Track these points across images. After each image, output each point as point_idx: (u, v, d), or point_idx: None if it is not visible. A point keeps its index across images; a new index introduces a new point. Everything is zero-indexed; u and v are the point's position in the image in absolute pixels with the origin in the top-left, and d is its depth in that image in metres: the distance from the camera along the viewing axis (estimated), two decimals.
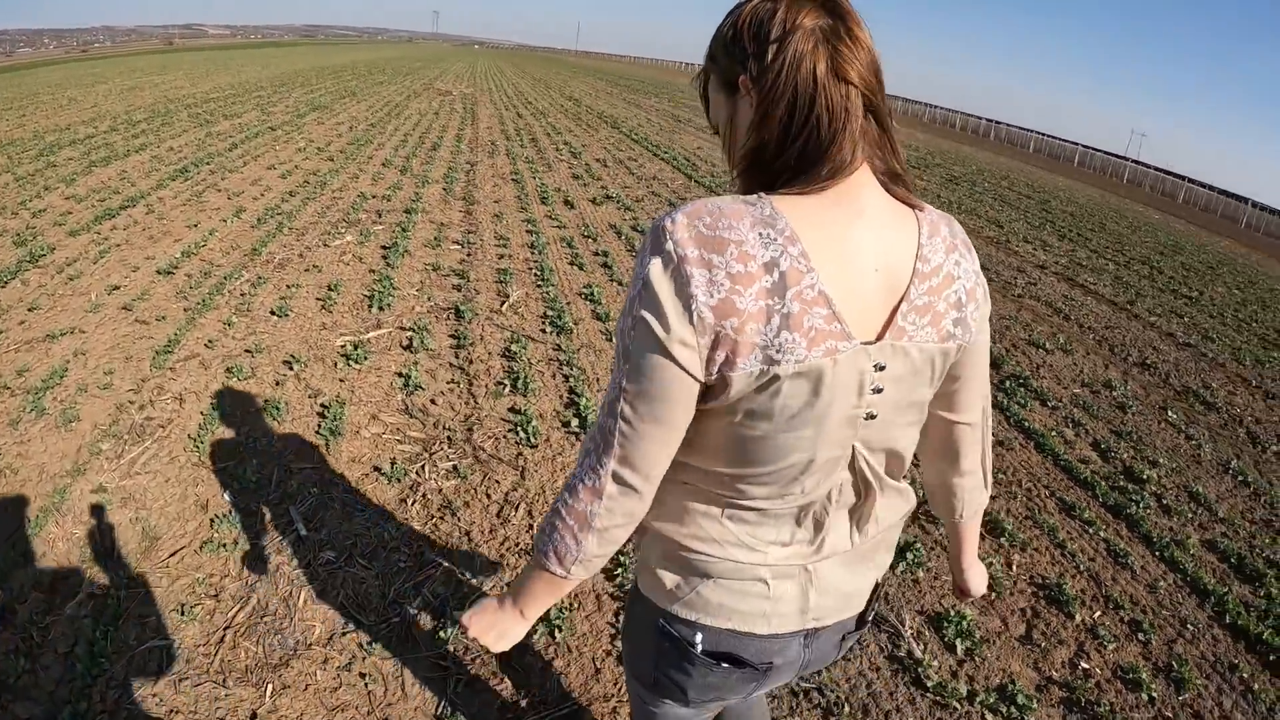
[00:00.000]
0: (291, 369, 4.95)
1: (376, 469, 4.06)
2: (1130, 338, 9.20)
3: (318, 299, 6.09)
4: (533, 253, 7.98)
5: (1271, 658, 3.76)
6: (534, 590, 1.29)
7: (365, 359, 5.19)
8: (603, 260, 8.13)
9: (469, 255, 7.61)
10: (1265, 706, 3.41)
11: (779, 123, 1.12)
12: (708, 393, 1.11)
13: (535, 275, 7.33)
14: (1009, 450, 5.50)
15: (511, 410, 4.83)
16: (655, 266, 1.07)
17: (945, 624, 3.48)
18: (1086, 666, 3.43)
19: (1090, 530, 4.56)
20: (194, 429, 4.18)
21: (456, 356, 5.46)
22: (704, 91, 1.31)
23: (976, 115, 53.31)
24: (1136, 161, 42.44)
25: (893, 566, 3.78)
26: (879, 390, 1.15)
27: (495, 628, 1.34)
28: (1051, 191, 23.86)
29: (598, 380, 5.41)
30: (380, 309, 5.97)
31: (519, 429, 4.60)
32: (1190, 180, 37.89)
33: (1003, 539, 4.28)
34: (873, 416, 1.17)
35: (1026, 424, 5.92)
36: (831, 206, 1.11)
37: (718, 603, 1.28)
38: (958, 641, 3.40)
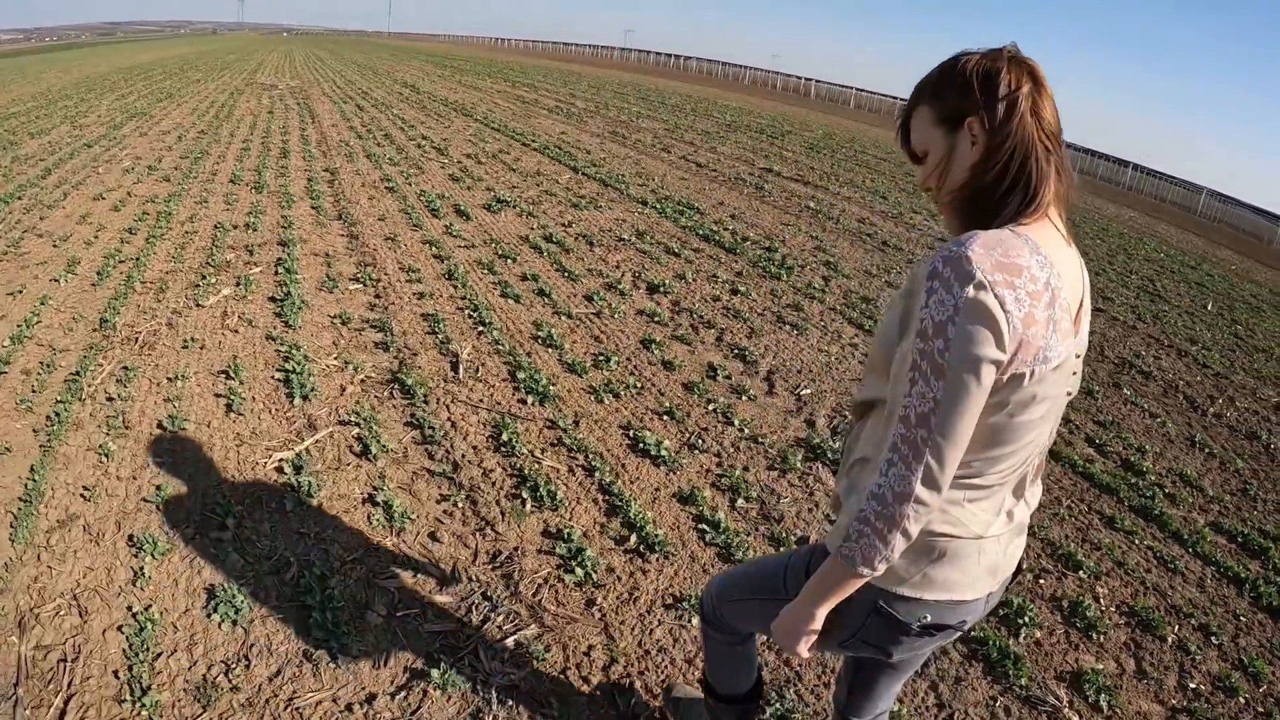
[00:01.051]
0: (226, 526, 3.51)
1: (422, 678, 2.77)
2: None
3: (217, 395, 4.59)
4: (454, 285, 6.62)
5: None
6: (835, 591, 1.50)
7: (318, 487, 3.81)
8: (536, 287, 6.86)
9: (378, 297, 6.18)
10: None
11: (1001, 167, 1.40)
12: (992, 392, 1.34)
13: (470, 317, 6.01)
14: None
15: (546, 534, 3.73)
16: (971, 290, 1.26)
17: (1085, 683, 3.50)
18: (1193, 685, 3.66)
19: (1135, 540, 4.78)
20: None
21: (432, 457, 4.20)
22: (907, 120, 1.54)
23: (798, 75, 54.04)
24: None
25: (1014, 635, 3.79)
26: (1075, 374, 1.48)
27: (800, 634, 1.59)
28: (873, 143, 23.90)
29: (624, 470, 4.26)
30: (303, 397, 4.54)
31: (571, 563, 3.54)
32: None
33: (1081, 571, 4.32)
34: (1071, 395, 1.50)
35: None
36: (1049, 233, 1.41)
37: (943, 579, 1.51)
38: (1101, 698, 3.43)
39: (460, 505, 3.87)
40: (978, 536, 1.50)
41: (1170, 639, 3.98)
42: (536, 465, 4.28)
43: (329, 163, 11.34)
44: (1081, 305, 1.45)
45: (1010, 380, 1.33)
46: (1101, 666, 3.67)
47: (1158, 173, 32.17)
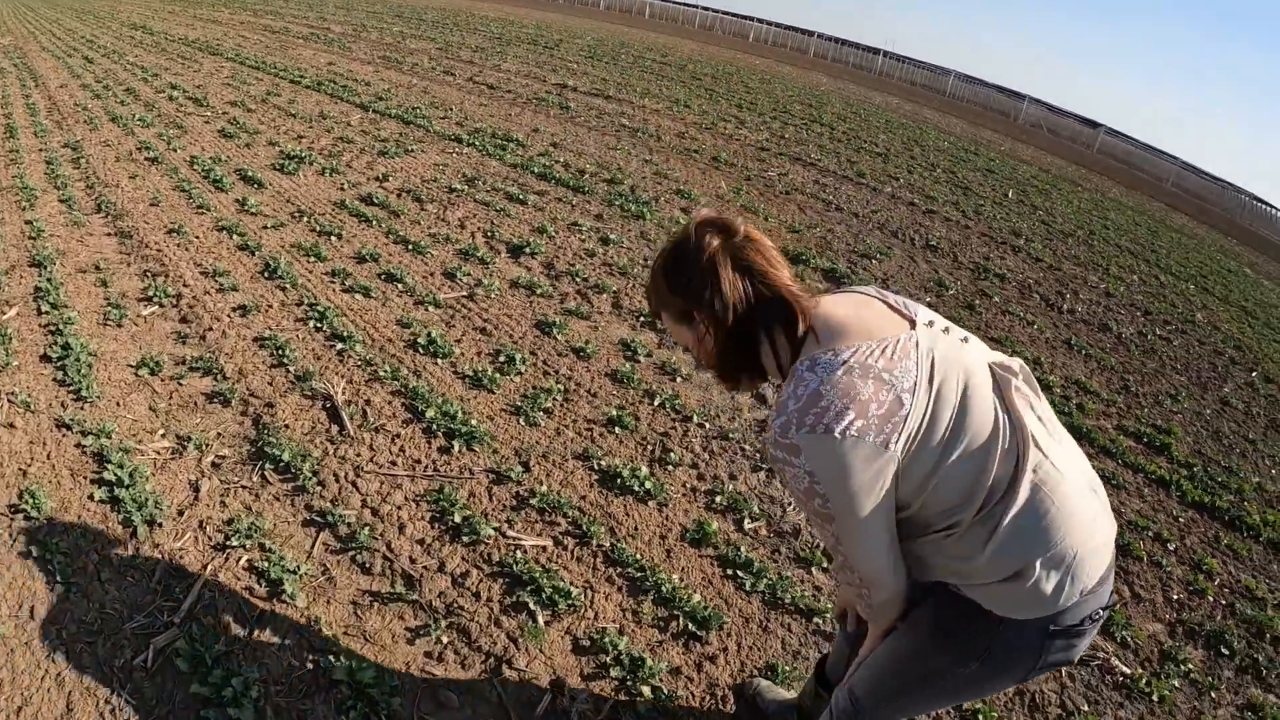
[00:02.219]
0: None
1: None
2: (896, 218, 9.63)
3: (21, 556, 2.86)
4: (279, 286, 5.02)
5: None
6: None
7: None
8: (381, 270, 5.38)
9: (186, 321, 4.48)
10: None
11: (742, 330, 1.54)
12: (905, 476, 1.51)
13: (319, 330, 4.52)
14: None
15: (579, 648, 2.79)
16: (804, 459, 1.44)
17: (1107, 624, 2.98)
18: (1175, 597, 3.99)
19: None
20: None
21: (369, 572, 2.96)
22: (656, 313, 1.68)
23: None
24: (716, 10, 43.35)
25: None
26: (970, 369, 1.59)
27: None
28: (674, 53, 23.10)
29: (615, 521, 3.30)
30: (148, 525, 2.96)
31: (634, 681, 2.67)
32: (762, 21, 39.47)
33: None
34: (999, 369, 1.63)
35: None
36: (834, 311, 1.54)
37: (1077, 580, 1.51)
38: (1121, 634, 3.59)
39: (448, 640, 2.71)
40: (1054, 544, 1.48)
41: (1145, 557, 4.31)
42: (516, 550, 3.11)
43: (68, 135, 8.47)
44: (910, 318, 1.55)
45: (906, 461, 1.44)
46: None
47: (904, 58, 33.31)
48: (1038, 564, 1.47)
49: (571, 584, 2.99)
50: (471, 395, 4.14)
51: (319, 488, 3.24)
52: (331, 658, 2.51)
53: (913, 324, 1.53)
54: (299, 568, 2.84)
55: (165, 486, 3.14)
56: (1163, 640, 3.75)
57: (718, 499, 3.65)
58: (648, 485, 3.62)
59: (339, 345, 4.33)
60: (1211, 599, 4.18)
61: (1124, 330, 8.16)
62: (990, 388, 1.52)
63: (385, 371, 4.12)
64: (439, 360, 4.39)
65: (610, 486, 3.62)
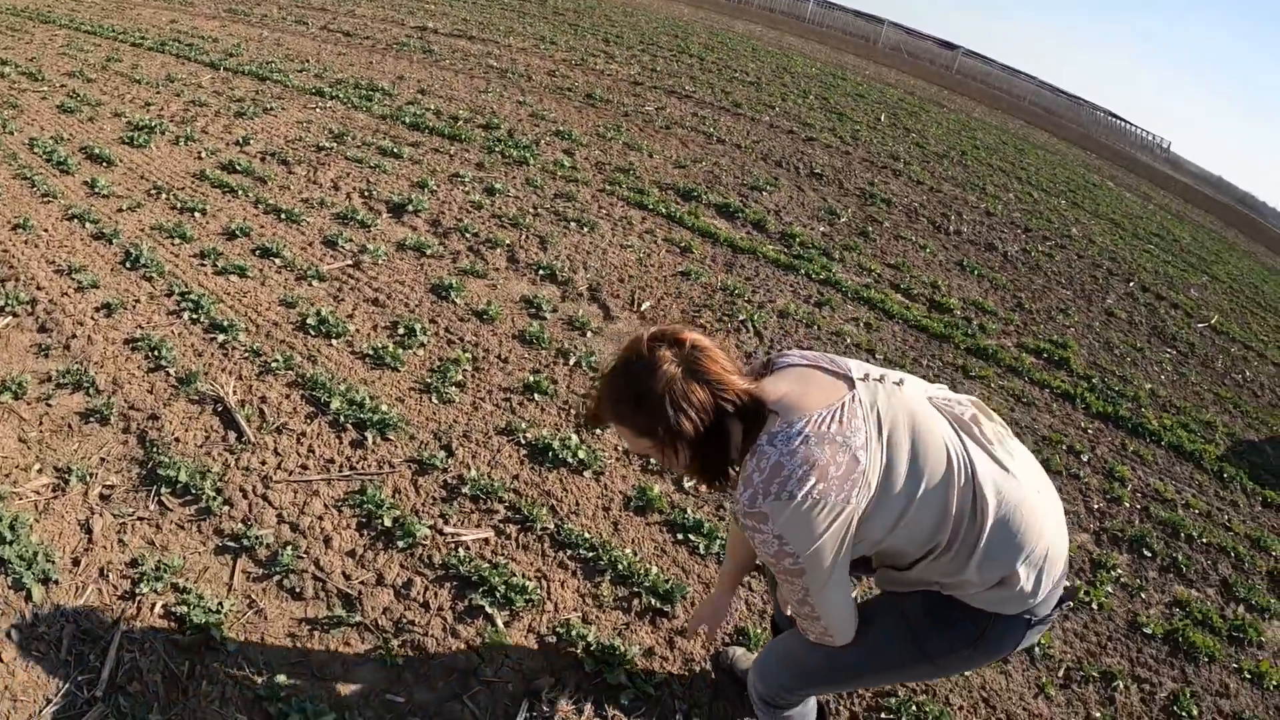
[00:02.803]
0: None
1: None
2: (778, 148, 9.75)
3: None
4: (144, 276, 4.38)
5: None
6: None
7: None
8: (254, 245, 4.83)
9: (46, 330, 3.77)
10: None
11: (711, 436, 1.55)
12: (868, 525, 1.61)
13: (195, 323, 3.99)
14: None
15: (545, 645, 2.47)
16: (775, 525, 1.51)
17: None
18: (1096, 506, 4.29)
19: (989, 383, 5.30)
20: None
21: (300, 597, 2.61)
22: (603, 424, 1.73)
23: None
24: None
25: None
26: (924, 402, 1.71)
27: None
28: None
29: (555, 500, 2.99)
30: (42, 583, 2.46)
31: (612, 675, 2.35)
32: None
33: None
34: (951, 406, 1.75)
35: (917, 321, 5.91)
36: (788, 388, 1.60)
37: (1045, 582, 1.66)
38: None
39: (404, 661, 2.42)
40: (1024, 554, 1.60)
41: (1064, 470, 4.41)
42: (458, 547, 2.81)
43: None
44: (844, 377, 1.63)
45: (871, 507, 1.53)
46: None
47: None
48: (1019, 569, 1.61)
49: (524, 576, 2.73)
50: (375, 377, 3.75)
51: (226, 508, 2.82)
52: (282, 704, 2.18)
53: (851, 383, 1.60)
54: (221, 605, 2.44)
55: (53, 533, 2.64)
56: (1091, 550, 3.78)
57: (653, 461, 3.42)
58: (580, 455, 3.35)
59: (220, 337, 3.83)
60: (1128, 505, 4.26)
61: (1009, 249, 8.32)
62: (937, 422, 1.61)
63: (277, 361, 3.67)
64: (333, 341, 3.96)
65: (541, 461, 3.34)
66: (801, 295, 5.82)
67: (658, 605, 2.75)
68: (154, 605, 2.43)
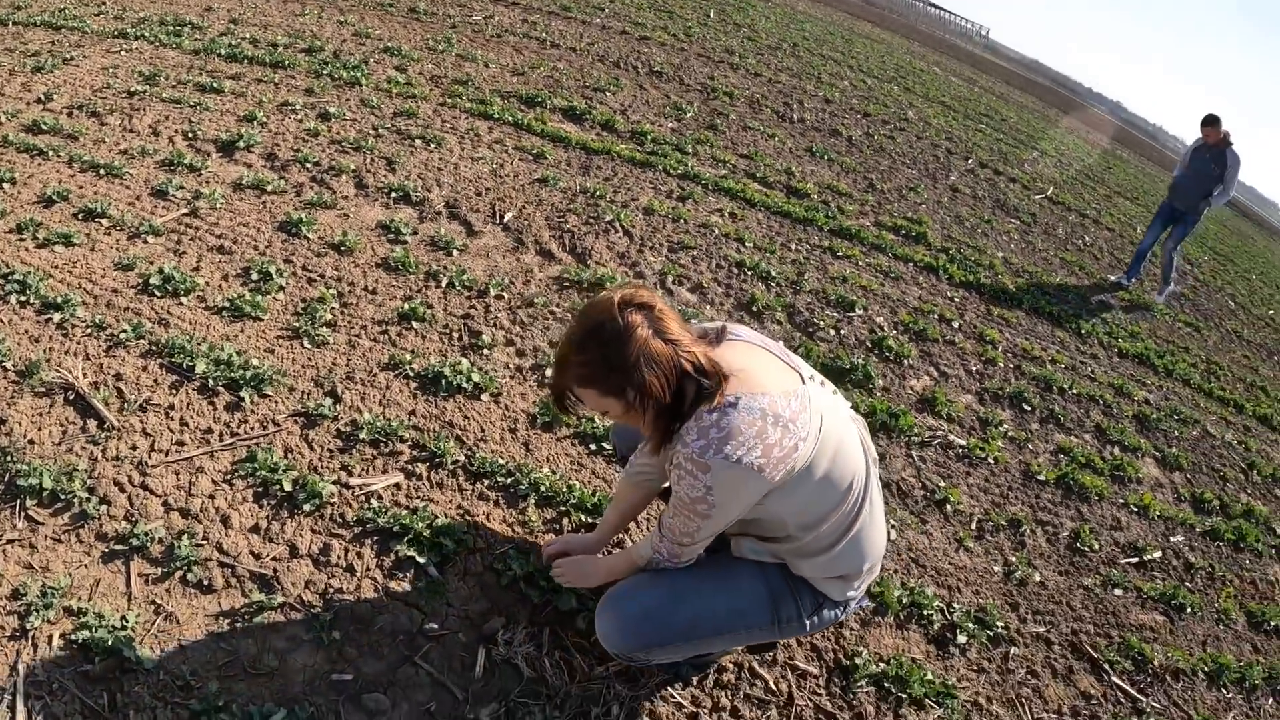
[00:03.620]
0: None
1: None
2: (614, 49, 9.68)
3: None
4: None
5: None
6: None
7: None
8: (76, 210, 4.16)
9: None
10: None
11: (674, 396, 1.60)
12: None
13: (24, 305, 3.37)
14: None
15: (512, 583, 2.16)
16: (709, 476, 1.60)
17: (936, 402, 4.07)
18: (974, 368, 4.52)
19: (858, 263, 5.40)
20: None
21: (234, 576, 2.21)
22: (564, 394, 1.71)
23: None
24: None
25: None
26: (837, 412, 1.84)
27: (595, 582, 2.14)
28: None
29: (459, 428, 2.73)
30: None
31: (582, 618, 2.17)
32: None
33: (855, 310, 4.70)
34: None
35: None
36: (742, 360, 1.69)
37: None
38: (946, 410, 4.01)
39: (342, 635, 2.11)
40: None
41: (940, 338, 4.50)
42: (369, 499, 2.52)
43: None
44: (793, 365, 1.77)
45: (790, 486, 1.67)
46: (921, 385, 4.12)
47: None
48: (863, 570, 1.90)
49: (446, 516, 2.47)
50: (236, 330, 3.31)
51: (104, 507, 2.36)
52: (223, 714, 1.86)
53: (801, 378, 1.72)
54: (125, 619, 2.04)
55: None
56: (977, 409, 3.84)
57: (548, 372, 3.19)
58: (474, 378, 3.08)
59: (56, 316, 3.26)
60: (1002, 365, 4.36)
61: (852, 133, 8.31)
62: (854, 438, 1.80)
63: (125, 332, 3.17)
64: (182, 299, 3.46)
65: (435, 391, 3.05)
66: (663, 191, 5.60)
67: (589, 520, 2.57)
68: (51, 637, 1.99)
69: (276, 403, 2.91)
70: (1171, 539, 3.81)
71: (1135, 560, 3.55)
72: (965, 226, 6.95)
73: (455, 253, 4.10)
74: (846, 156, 7.59)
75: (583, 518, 2.57)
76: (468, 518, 2.51)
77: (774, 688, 2.30)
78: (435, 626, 2.17)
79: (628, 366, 1.55)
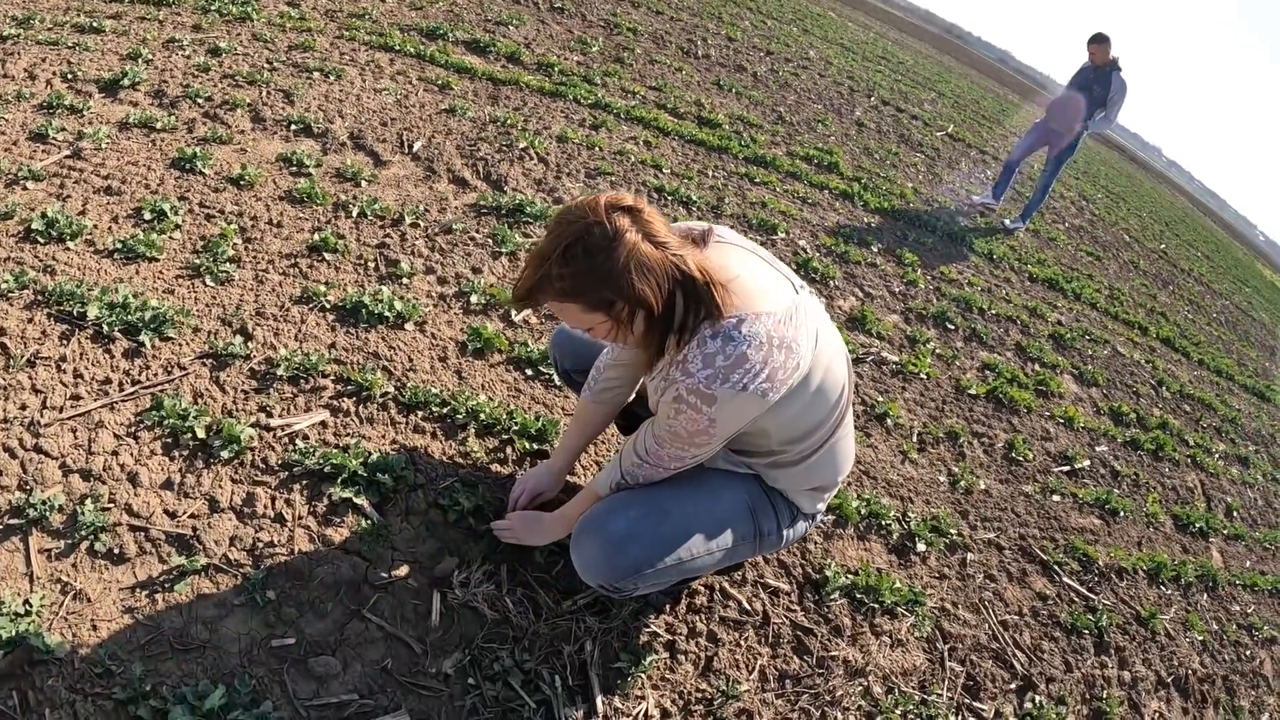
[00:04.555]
0: None
1: None
2: None
3: None
4: None
5: None
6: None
7: None
8: None
9: None
10: None
11: (667, 309, 1.39)
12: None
13: None
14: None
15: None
16: (713, 408, 1.44)
17: (866, 319, 3.90)
18: (898, 289, 4.40)
19: (774, 189, 5.19)
20: None
21: (148, 540, 1.87)
22: (532, 300, 1.44)
23: None
24: None
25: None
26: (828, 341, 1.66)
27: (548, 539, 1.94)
28: None
29: (388, 362, 2.46)
30: None
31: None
32: None
33: (777, 233, 4.52)
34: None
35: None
36: (737, 265, 1.51)
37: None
38: (872, 325, 3.89)
39: (277, 595, 1.84)
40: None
41: (862, 261, 4.47)
42: (294, 440, 2.22)
43: None
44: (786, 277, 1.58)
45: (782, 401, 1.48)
46: (849, 304, 3.96)
47: None
48: (837, 481, 1.79)
49: (381, 452, 2.20)
50: (131, 272, 2.89)
51: None
52: (154, 701, 1.55)
53: (794, 288, 1.55)
54: (29, 604, 1.69)
55: None
56: (904, 327, 3.73)
57: (473, 299, 2.91)
58: (396, 306, 2.77)
59: None
60: (923, 286, 4.27)
61: (757, 69, 8.08)
62: (841, 349, 1.63)
63: (6, 283, 2.73)
64: (69, 244, 3.00)
65: (355, 322, 2.73)
66: (575, 120, 5.25)
67: (534, 447, 2.33)
68: None
69: (181, 345, 2.55)
70: (1097, 449, 3.86)
71: (1067, 469, 3.58)
72: (875, 158, 6.88)
73: (364, 183, 3.72)
74: (754, 91, 7.37)
75: (527, 445, 2.34)
76: (404, 452, 2.24)
77: (748, 607, 2.16)
78: (382, 574, 1.91)
79: (617, 275, 1.32)
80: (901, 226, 5.40)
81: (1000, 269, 5.71)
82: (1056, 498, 3.32)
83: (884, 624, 2.32)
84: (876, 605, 2.36)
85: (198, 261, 2.93)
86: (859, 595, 2.36)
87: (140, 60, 4.80)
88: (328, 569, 1.91)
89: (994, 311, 4.70)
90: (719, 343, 1.39)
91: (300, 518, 2.02)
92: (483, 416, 2.35)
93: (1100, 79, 6.49)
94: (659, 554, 1.63)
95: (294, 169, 3.73)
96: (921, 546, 2.67)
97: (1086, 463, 3.68)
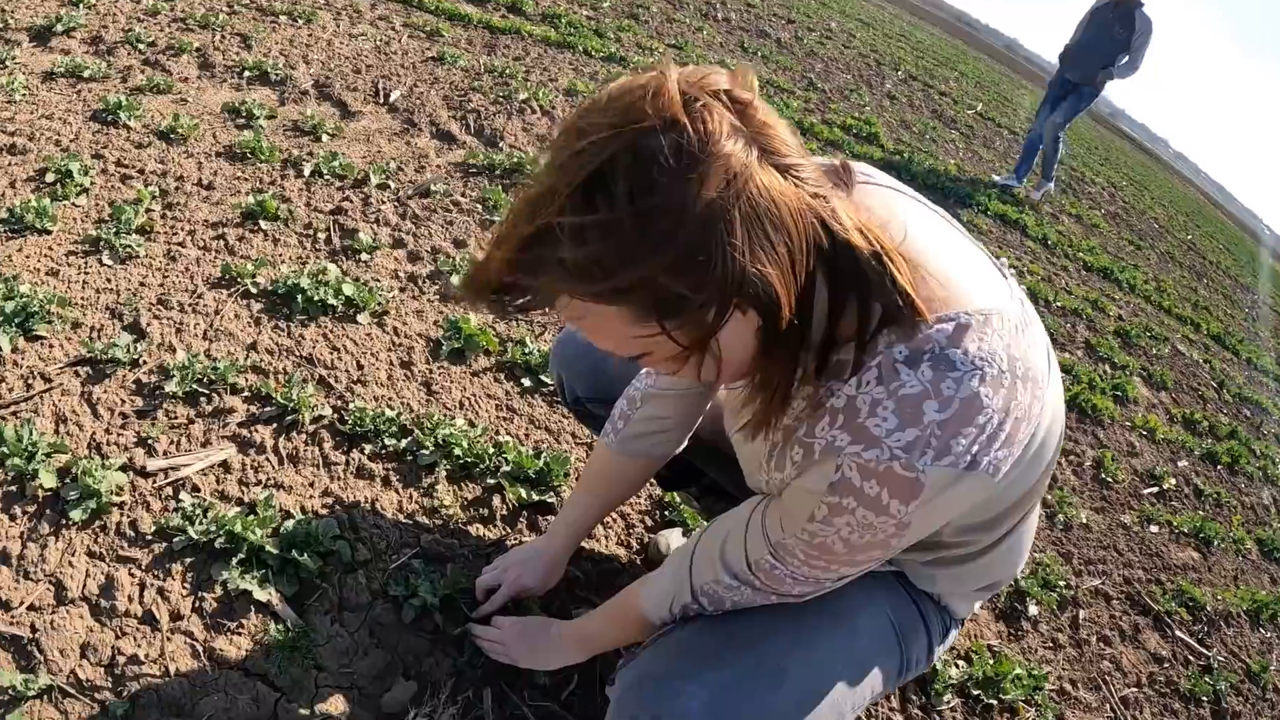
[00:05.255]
0: None
1: None
2: None
3: None
4: None
5: None
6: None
7: None
8: None
9: None
10: None
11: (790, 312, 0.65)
12: None
13: None
14: None
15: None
16: (918, 502, 0.71)
17: None
18: None
19: None
20: None
21: None
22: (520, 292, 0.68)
23: None
24: None
25: None
26: None
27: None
28: None
29: (349, 362, 1.63)
30: None
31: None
32: None
33: None
34: None
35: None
36: (966, 271, 0.79)
37: None
38: None
39: None
40: None
41: None
42: (180, 490, 1.47)
43: None
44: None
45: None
46: None
47: None
48: (1009, 579, 1.07)
49: (305, 511, 1.47)
50: (13, 249, 2.18)
51: None
52: None
53: (1001, 271, 0.81)
54: None
55: None
56: None
57: (454, 281, 2.16)
58: (346, 291, 2.03)
59: None
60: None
61: (780, 36, 7.52)
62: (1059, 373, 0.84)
63: None
64: None
65: (287, 313, 1.99)
66: (585, 73, 4.48)
67: (534, 497, 1.60)
68: None
69: (52, 346, 1.82)
70: (1178, 464, 3.25)
71: (1155, 490, 2.99)
72: (913, 131, 6.23)
73: (325, 137, 2.97)
74: (780, 56, 6.65)
75: (523, 493, 1.60)
76: (339, 511, 1.50)
77: None
78: (300, 711, 1.19)
79: (706, 242, 0.59)
80: (951, 206, 4.70)
81: (1056, 256, 5.06)
82: (1154, 529, 2.76)
83: None
84: (995, 702, 1.67)
85: (98, 234, 2.20)
86: (974, 690, 1.66)
87: (81, 5, 4.03)
88: (218, 700, 1.20)
89: (1059, 304, 4.07)
90: (926, 372, 0.69)
91: (179, 617, 1.30)
92: (458, 451, 1.61)
93: (1122, 18, 5.38)
94: None
95: (241, 121, 2.99)
96: (1033, 609, 2.05)
97: (1172, 481, 3.12)
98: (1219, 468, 3.53)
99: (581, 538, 1.39)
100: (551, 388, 1.94)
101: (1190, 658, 2.30)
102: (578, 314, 0.68)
